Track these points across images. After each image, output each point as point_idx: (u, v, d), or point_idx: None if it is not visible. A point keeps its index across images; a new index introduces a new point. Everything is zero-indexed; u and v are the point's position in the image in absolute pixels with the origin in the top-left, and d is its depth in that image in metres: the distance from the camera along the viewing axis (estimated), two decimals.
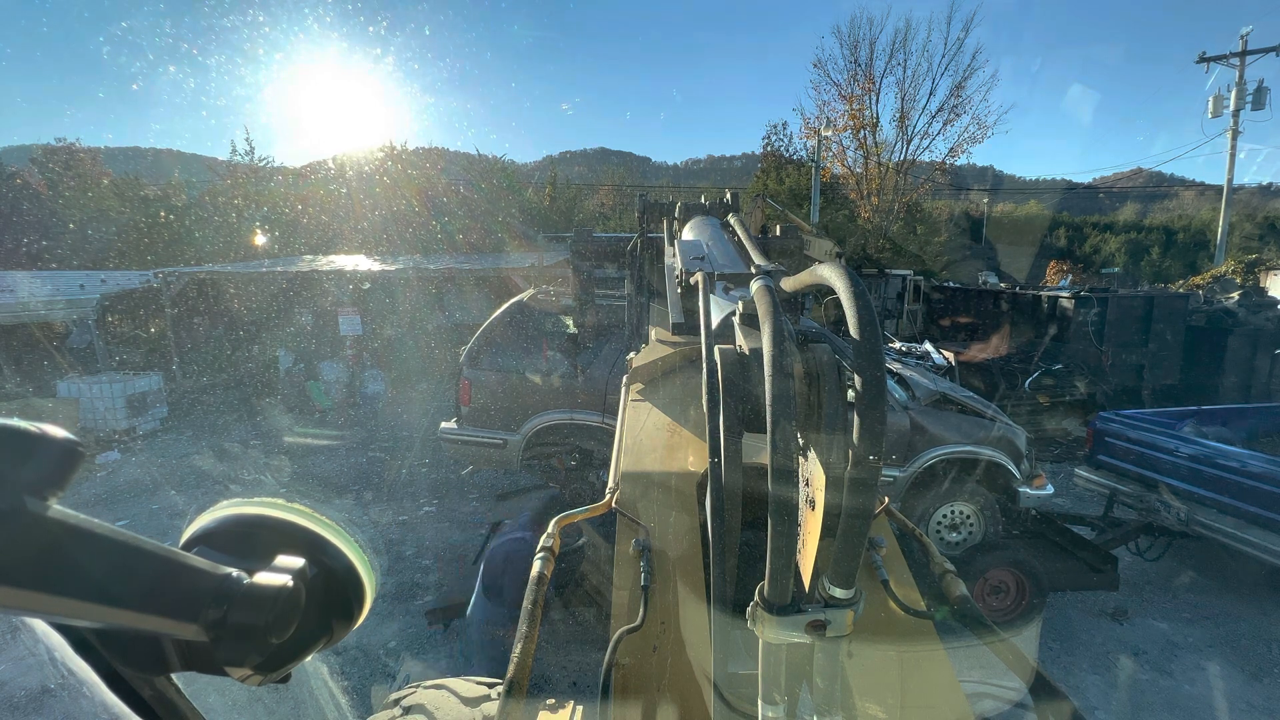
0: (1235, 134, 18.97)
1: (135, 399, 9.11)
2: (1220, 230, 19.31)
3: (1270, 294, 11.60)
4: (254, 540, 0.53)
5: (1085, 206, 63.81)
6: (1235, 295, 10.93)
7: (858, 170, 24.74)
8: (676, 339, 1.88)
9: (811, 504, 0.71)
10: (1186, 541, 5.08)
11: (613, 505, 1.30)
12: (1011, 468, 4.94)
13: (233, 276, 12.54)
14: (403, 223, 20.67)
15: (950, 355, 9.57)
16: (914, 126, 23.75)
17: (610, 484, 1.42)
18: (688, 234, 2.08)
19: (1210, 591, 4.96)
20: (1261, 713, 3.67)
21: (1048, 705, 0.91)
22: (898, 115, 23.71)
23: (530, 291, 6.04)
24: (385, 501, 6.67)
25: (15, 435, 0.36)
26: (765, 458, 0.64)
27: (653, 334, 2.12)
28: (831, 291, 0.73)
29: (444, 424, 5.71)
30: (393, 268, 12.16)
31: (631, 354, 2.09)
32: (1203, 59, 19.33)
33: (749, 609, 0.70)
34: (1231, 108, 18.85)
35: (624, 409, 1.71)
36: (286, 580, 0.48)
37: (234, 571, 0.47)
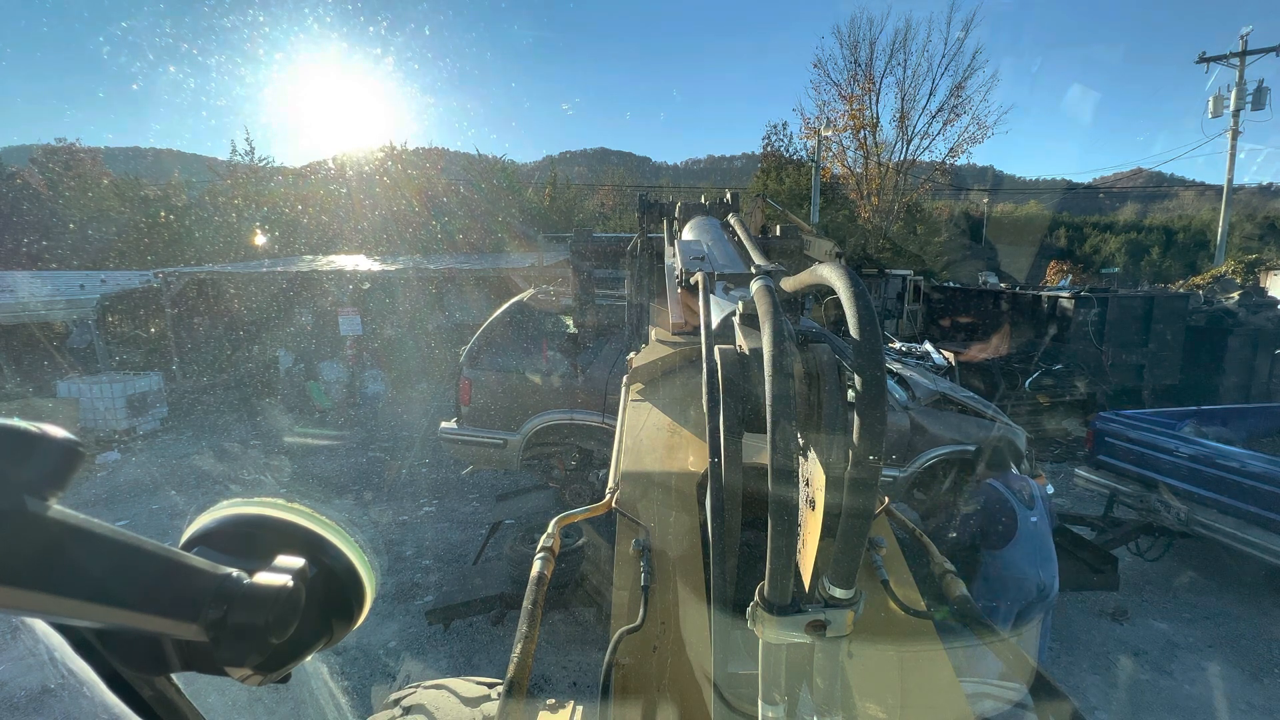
0: (1235, 134, 18.97)
1: (135, 399, 9.11)
2: (1220, 230, 19.31)
3: (1270, 294, 11.60)
4: (254, 540, 0.53)
5: (1085, 206, 63.85)
6: (1235, 295, 10.93)
7: (858, 170, 24.73)
8: (676, 339, 1.88)
9: (811, 504, 0.71)
10: (1186, 541, 5.08)
11: (613, 505, 1.30)
12: (1015, 468, 4.94)
13: (233, 276, 12.54)
14: (403, 223, 20.68)
15: (950, 355, 9.57)
16: (914, 126, 23.76)
17: (610, 484, 1.42)
18: (688, 234, 2.08)
19: (1210, 591, 4.96)
20: (1261, 713, 3.67)
21: (1048, 705, 0.91)
22: (898, 115, 23.72)
23: (530, 291, 6.04)
24: (385, 501, 6.67)
25: (15, 435, 0.36)
26: (765, 458, 0.64)
27: (653, 334, 2.12)
28: (831, 291, 0.73)
29: (444, 424, 5.71)
30: (393, 268, 12.16)
31: (631, 354, 2.08)
32: (1203, 59, 19.32)
33: (749, 609, 0.70)
34: (1231, 108, 18.85)
35: (624, 409, 1.71)
36: (286, 580, 0.48)
37: (234, 571, 0.47)
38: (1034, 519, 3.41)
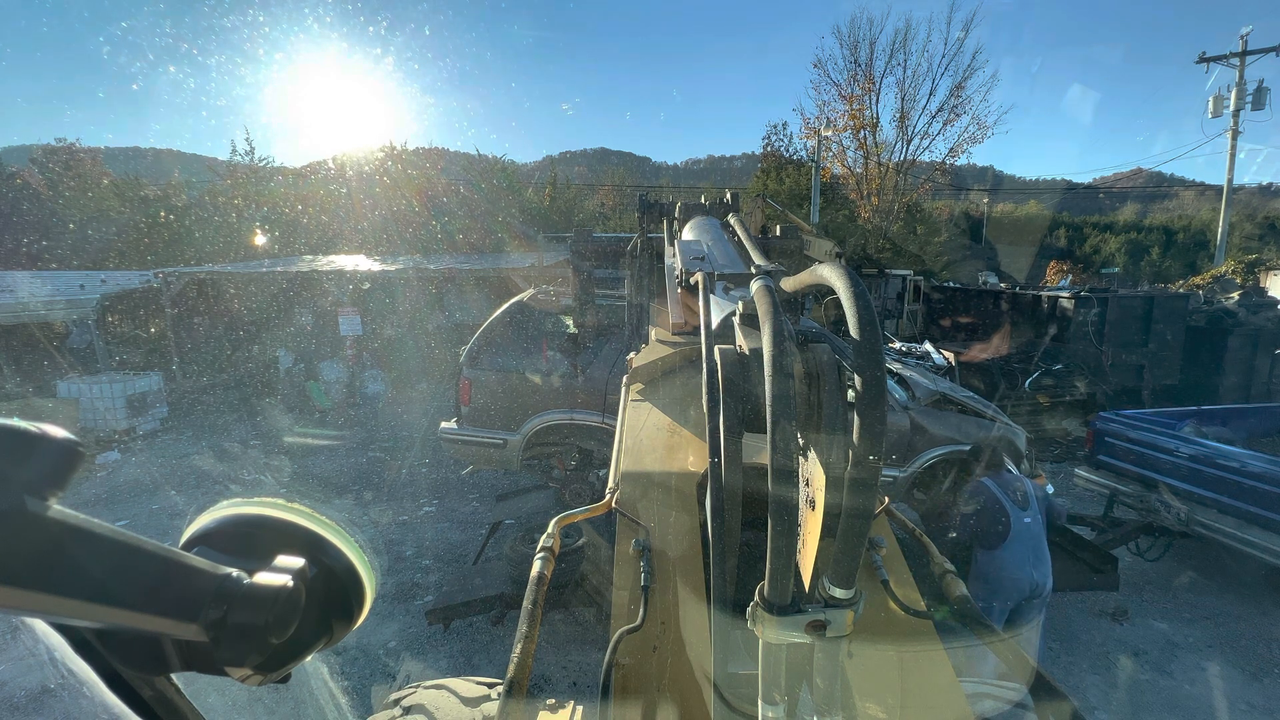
0: (1235, 134, 18.96)
1: (135, 399, 9.11)
2: (1220, 230, 19.30)
3: (1270, 294, 11.59)
4: (254, 540, 0.53)
5: (1085, 206, 63.87)
6: (1235, 295, 10.93)
7: (858, 170, 24.73)
8: (676, 339, 1.89)
9: (811, 504, 0.71)
10: (1186, 541, 5.08)
11: (613, 505, 1.30)
12: (1011, 468, 4.94)
13: (233, 276, 12.54)
14: (403, 223, 20.68)
15: (950, 355, 9.57)
16: (914, 126, 23.74)
17: (610, 484, 1.42)
18: (688, 234, 2.08)
19: (1210, 591, 4.96)
20: (1261, 713, 3.67)
21: (1048, 705, 0.91)
22: (898, 115, 23.70)
23: (530, 291, 6.04)
24: (385, 501, 6.67)
25: (15, 435, 0.36)
26: (765, 458, 0.64)
27: (653, 334, 2.12)
28: (831, 291, 0.73)
29: (444, 424, 5.71)
30: (393, 268, 12.16)
31: (631, 354, 2.09)
32: (1203, 59, 19.32)
33: (749, 609, 0.70)
34: (1231, 108, 18.84)
35: (624, 409, 1.71)
36: (286, 580, 0.48)
37: (234, 571, 0.47)
38: (1027, 519, 3.42)
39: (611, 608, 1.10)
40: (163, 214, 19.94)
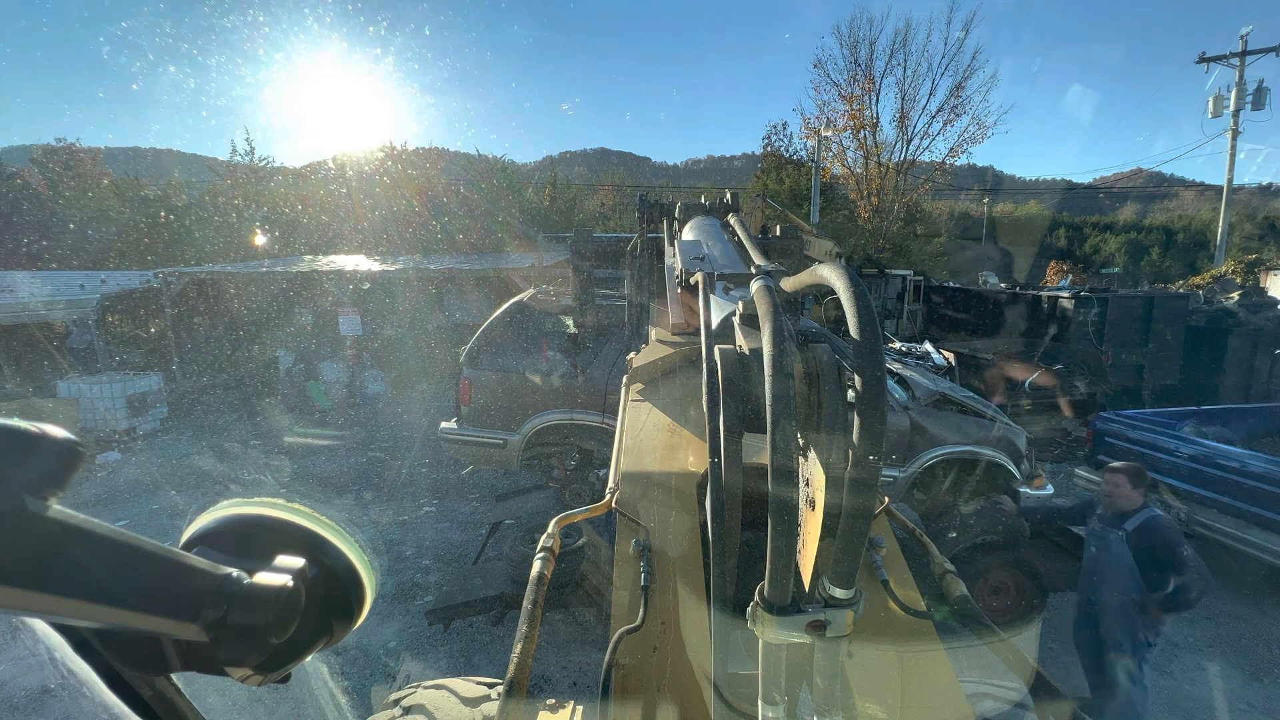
0: (1235, 134, 18.96)
1: (135, 399, 9.10)
2: (1220, 230, 19.30)
3: (1270, 294, 11.60)
4: (254, 540, 0.53)
5: (1085, 206, 63.95)
6: (1235, 295, 10.93)
7: (858, 170, 24.74)
8: (676, 339, 1.88)
9: (811, 504, 0.71)
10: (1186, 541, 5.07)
11: (613, 505, 1.30)
12: (1011, 468, 4.94)
13: (233, 276, 12.54)
14: (403, 223, 20.69)
15: (950, 355, 9.56)
16: (914, 126, 23.77)
17: (610, 484, 1.42)
18: (688, 234, 2.08)
19: (1210, 591, 4.96)
20: (1261, 713, 3.67)
21: (1048, 705, 0.91)
22: (898, 115, 23.72)
23: (530, 291, 6.03)
24: (385, 501, 6.67)
25: (15, 435, 0.36)
26: (765, 458, 0.64)
27: (653, 334, 2.12)
28: (831, 291, 0.73)
29: (444, 424, 5.71)
30: (393, 268, 12.16)
31: (631, 354, 2.09)
32: (1203, 59, 19.32)
33: (749, 609, 0.70)
34: (1231, 108, 18.84)
35: (624, 409, 1.71)
36: (286, 580, 0.48)
37: (234, 571, 0.47)
38: None
39: (611, 608, 1.10)
40: (163, 214, 19.93)
